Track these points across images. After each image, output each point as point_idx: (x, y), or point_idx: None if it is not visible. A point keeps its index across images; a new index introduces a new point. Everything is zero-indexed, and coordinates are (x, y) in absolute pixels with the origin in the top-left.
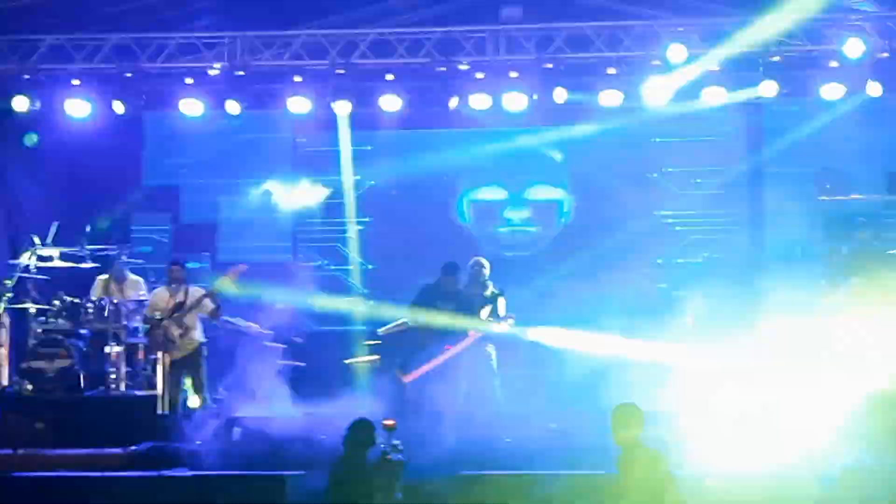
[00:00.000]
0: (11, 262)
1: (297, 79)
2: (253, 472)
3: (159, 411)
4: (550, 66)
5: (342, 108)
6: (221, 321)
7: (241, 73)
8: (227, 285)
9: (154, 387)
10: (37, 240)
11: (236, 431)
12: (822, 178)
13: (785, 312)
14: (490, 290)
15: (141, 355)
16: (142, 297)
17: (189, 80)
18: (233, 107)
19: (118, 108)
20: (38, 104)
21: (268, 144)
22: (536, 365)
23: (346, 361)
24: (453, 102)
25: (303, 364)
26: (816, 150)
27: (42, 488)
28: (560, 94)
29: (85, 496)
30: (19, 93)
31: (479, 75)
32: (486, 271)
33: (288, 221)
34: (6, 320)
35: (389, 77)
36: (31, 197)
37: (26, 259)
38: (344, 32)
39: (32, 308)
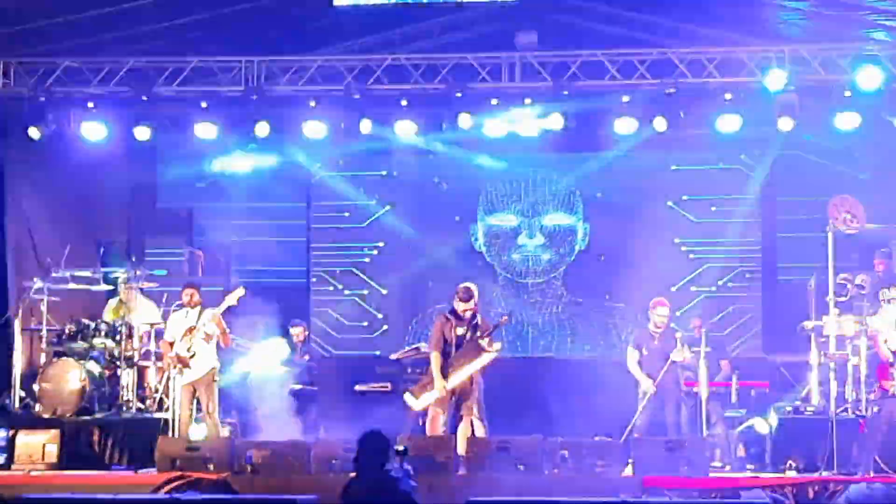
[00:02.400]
0: (26, 283)
1: (312, 104)
2: (264, 496)
3: (171, 434)
4: (566, 93)
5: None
6: (233, 344)
7: (256, 97)
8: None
9: (166, 409)
10: (50, 262)
11: (248, 455)
12: (836, 206)
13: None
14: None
15: (153, 378)
16: (154, 321)
17: (204, 104)
18: (248, 130)
19: (140, 133)
20: (52, 127)
21: (283, 168)
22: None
23: (358, 388)
24: (466, 122)
25: (314, 388)
26: (830, 179)
27: None
28: (574, 122)
29: None
30: (34, 117)
31: (494, 101)
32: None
33: (303, 245)
34: (19, 341)
35: (404, 102)
36: (45, 219)
37: (40, 281)
38: (360, 58)
39: (45, 329)
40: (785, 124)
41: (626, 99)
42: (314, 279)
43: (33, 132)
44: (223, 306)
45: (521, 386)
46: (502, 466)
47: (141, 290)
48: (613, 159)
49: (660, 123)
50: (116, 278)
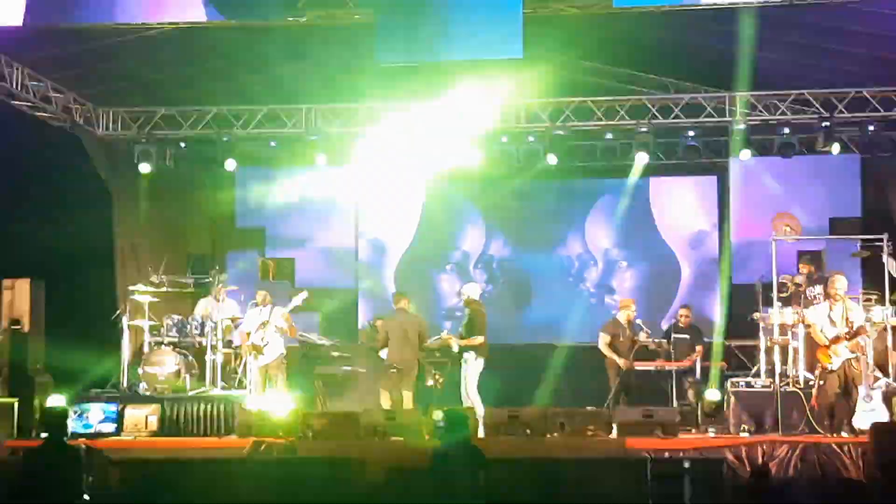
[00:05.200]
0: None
1: (359, 140)
2: (323, 457)
3: (248, 407)
4: (562, 132)
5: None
6: (298, 335)
7: (315, 137)
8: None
9: (244, 387)
10: (152, 269)
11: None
12: (778, 220)
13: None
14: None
15: (234, 363)
16: (235, 317)
17: (273, 143)
18: (309, 164)
19: (227, 166)
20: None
21: (339, 196)
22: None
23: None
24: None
25: (363, 370)
26: (775, 198)
27: (156, 468)
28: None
29: (188, 473)
30: (138, 157)
31: (504, 139)
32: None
33: (351, 256)
34: (126, 334)
35: None
36: (146, 237)
37: (143, 286)
38: (395, 105)
39: (147, 324)
40: (744, 155)
41: (609, 136)
42: (361, 289)
43: (140, 166)
44: (291, 306)
45: (529, 367)
46: (514, 431)
47: (226, 291)
48: (602, 182)
49: (641, 158)
50: (208, 283)
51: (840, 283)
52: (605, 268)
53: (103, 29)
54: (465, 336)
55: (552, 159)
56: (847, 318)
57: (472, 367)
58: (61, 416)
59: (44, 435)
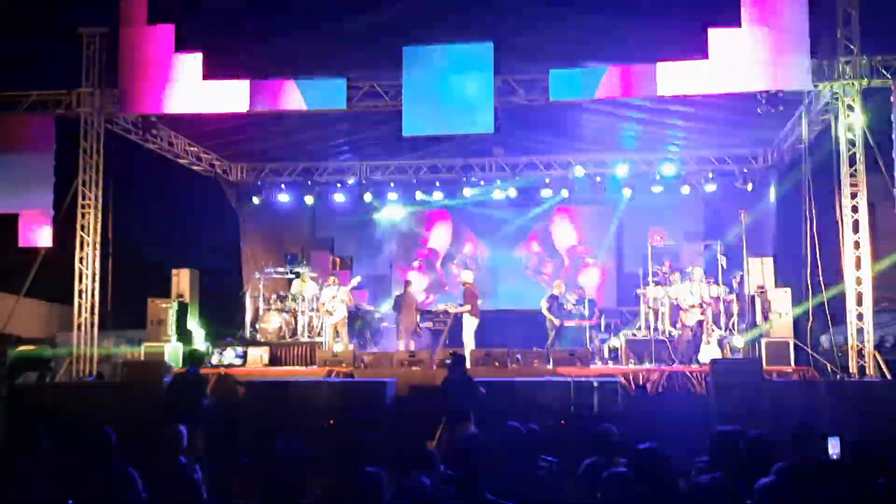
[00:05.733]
0: (250, 275)
1: (392, 185)
2: (370, 379)
3: (323, 349)
4: (518, 178)
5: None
6: (354, 304)
7: (364, 181)
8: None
9: (321, 336)
10: (263, 263)
11: (361, 359)
12: (653, 231)
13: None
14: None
15: (315, 321)
16: (316, 293)
17: (339, 185)
18: (361, 199)
19: (308, 200)
20: (263, 197)
21: (377, 218)
22: None
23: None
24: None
25: (393, 326)
26: (650, 219)
27: (266, 386)
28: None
29: (286, 389)
30: (255, 194)
31: (482, 182)
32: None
33: (385, 253)
34: (249, 304)
35: (437, 184)
36: (260, 243)
37: (259, 272)
38: (413, 162)
39: (261, 297)
40: (627, 193)
41: (546, 181)
42: (394, 274)
43: (255, 200)
44: (350, 285)
45: (498, 323)
46: (489, 363)
47: (310, 277)
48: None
49: (564, 193)
50: (298, 271)
51: (697, 272)
52: (561, 262)
53: (234, 115)
54: (462, 305)
55: (512, 192)
56: (700, 294)
57: (468, 323)
58: (200, 354)
59: (188, 367)
